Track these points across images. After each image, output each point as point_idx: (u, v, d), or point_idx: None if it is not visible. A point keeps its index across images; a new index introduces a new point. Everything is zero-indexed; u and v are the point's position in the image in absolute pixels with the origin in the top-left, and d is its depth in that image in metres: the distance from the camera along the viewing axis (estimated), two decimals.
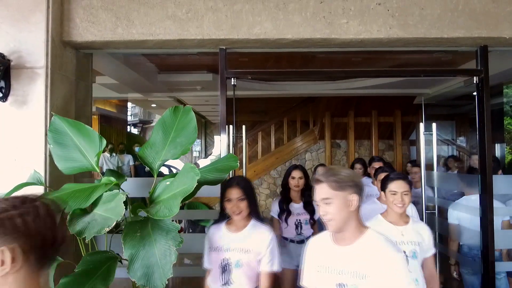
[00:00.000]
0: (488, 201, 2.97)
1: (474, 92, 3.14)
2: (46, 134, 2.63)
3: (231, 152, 3.10)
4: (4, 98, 2.68)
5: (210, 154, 9.08)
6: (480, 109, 3.02)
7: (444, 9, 2.80)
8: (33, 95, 2.70)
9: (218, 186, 2.89)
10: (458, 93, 6.17)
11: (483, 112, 2.99)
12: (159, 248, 1.85)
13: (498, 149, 8.54)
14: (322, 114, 8.45)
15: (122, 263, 2.61)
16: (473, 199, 3.16)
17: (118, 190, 2.08)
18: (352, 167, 5.25)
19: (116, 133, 10.40)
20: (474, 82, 3.04)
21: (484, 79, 2.99)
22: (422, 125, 3.64)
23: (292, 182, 3.36)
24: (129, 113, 14.56)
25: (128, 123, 13.98)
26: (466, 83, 3.22)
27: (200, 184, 2.18)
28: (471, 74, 3.11)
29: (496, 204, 3.11)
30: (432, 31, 2.80)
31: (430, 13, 2.80)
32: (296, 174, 3.37)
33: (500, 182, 3.04)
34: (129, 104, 12.87)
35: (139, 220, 2.02)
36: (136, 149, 9.02)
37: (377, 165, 4.07)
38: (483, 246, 3.02)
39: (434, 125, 3.63)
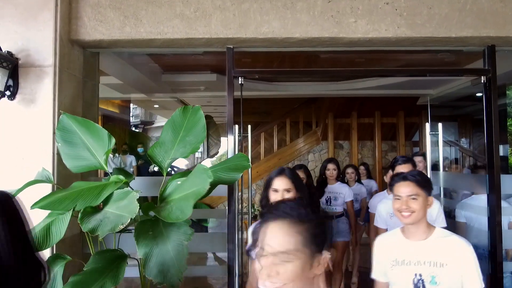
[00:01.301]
0: (496, 201, 2.97)
1: (477, 93, 3.13)
2: (54, 133, 2.63)
3: (237, 152, 3.10)
4: (12, 96, 2.68)
5: (216, 154, 9.05)
6: (488, 109, 3.02)
7: (452, 8, 2.80)
8: (40, 94, 2.70)
9: (223, 185, 2.90)
10: (461, 94, 6.17)
11: (490, 112, 2.99)
12: (172, 245, 1.86)
13: (501, 150, 8.53)
14: (325, 115, 8.44)
15: (127, 263, 2.61)
16: (482, 199, 3.15)
17: (130, 189, 2.08)
18: (324, 168, 4.26)
19: (118, 134, 10.40)
20: (482, 81, 3.04)
21: (492, 78, 2.99)
22: (428, 125, 3.64)
23: (273, 197, 2.05)
24: (131, 114, 14.55)
25: (130, 124, 13.96)
26: (473, 83, 3.22)
27: (215, 184, 2.18)
28: (478, 74, 3.10)
29: (503, 204, 3.11)
30: (440, 30, 2.80)
31: (438, 12, 2.80)
32: (280, 184, 2.04)
33: (509, 182, 3.04)
34: (131, 106, 12.86)
35: (150, 218, 2.01)
36: (139, 149, 9.01)
37: (403, 168, 2.79)
38: (491, 246, 3.02)
39: (440, 125, 3.63)
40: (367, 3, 2.81)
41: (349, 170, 5.05)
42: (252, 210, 7.89)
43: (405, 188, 1.84)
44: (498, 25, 2.80)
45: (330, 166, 4.22)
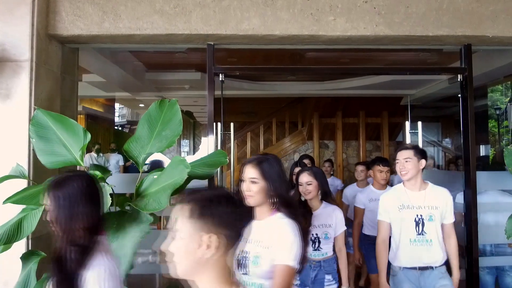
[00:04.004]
0: (472, 198, 3.02)
1: (459, 94, 3.18)
2: (29, 128, 2.59)
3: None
4: None
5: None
6: (464, 107, 3.08)
7: (429, 7, 2.85)
8: (17, 89, 2.66)
9: (205, 183, 2.89)
10: (442, 95, 6.27)
11: (467, 109, 3.05)
12: (130, 240, 1.85)
13: (483, 151, 8.69)
14: (311, 115, 8.49)
15: None
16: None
17: (104, 184, 2.06)
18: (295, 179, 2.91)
19: (103, 133, 10.30)
20: (458, 80, 3.09)
21: (468, 77, 3.04)
22: (408, 124, 3.70)
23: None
24: (116, 114, 14.43)
25: (116, 124, 13.85)
26: (450, 82, 3.27)
27: (189, 178, 2.17)
28: (455, 72, 3.17)
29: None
30: (417, 29, 2.84)
31: (415, 11, 2.84)
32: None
33: (484, 179, 3.10)
34: (117, 105, 12.76)
35: (117, 212, 2.00)
36: None
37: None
38: (467, 242, 3.06)
39: (419, 123, 3.69)
40: (346, 1, 2.84)
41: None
42: None
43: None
44: (473, 24, 2.85)
45: (304, 178, 2.61)
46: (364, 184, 4.25)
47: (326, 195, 2.70)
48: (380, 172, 3.63)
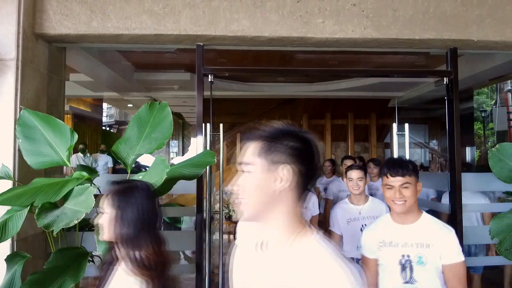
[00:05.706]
0: (457, 199, 3.06)
1: (446, 96, 3.23)
2: (15, 128, 2.56)
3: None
4: None
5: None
6: (450, 109, 3.13)
7: (416, 11, 2.88)
8: (2, 88, 2.61)
9: (194, 184, 2.88)
10: (430, 97, 6.37)
11: (452, 111, 3.09)
12: None
13: (468, 153, 8.83)
14: (300, 116, 8.54)
15: (94, 262, 2.56)
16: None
17: (89, 184, 2.04)
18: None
19: (90, 133, 10.19)
20: (444, 83, 3.14)
21: (454, 80, 3.09)
22: (395, 125, 3.75)
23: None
24: (104, 114, 14.29)
25: (104, 124, 13.71)
26: (436, 85, 3.32)
27: (176, 179, 2.17)
28: (441, 75, 3.21)
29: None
30: (405, 32, 2.87)
31: (402, 14, 2.88)
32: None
33: (469, 180, 3.15)
34: (105, 105, 12.64)
35: None
36: None
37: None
38: None
39: (406, 125, 3.74)
40: (335, 4, 2.86)
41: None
42: (226, 210, 7.87)
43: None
44: (459, 28, 2.89)
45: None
46: (362, 200, 2.93)
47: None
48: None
